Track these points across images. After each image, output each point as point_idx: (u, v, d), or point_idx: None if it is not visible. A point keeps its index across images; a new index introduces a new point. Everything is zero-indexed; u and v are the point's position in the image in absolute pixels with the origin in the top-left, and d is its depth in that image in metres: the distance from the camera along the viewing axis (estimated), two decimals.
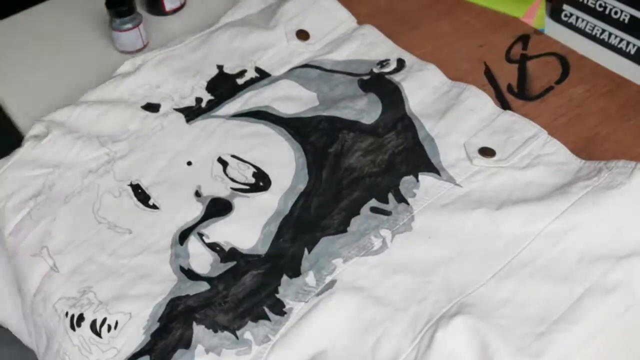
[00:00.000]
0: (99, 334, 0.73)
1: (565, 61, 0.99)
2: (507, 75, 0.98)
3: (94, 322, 0.74)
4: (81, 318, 0.74)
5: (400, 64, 0.97)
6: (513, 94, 0.95)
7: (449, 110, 0.89)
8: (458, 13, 1.08)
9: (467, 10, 1.09)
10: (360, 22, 1.04)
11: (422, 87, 0.93)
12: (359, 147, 0.86)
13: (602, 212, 0.75)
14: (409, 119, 0.89)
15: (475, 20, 1.07)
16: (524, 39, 1.03)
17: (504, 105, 0.93)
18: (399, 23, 1.06)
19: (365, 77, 0.95)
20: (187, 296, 0.74)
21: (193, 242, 0.79)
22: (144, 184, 0.85)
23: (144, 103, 0.94)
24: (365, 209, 0.80)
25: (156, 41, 1.05)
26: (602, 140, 0.88)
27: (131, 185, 0.85)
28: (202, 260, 0.77)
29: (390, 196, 0.81)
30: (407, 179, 0.83)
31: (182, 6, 1.13)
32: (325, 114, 0.90)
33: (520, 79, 0.97)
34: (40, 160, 0.88)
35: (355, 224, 0.79)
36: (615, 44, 1.00)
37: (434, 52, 1.01)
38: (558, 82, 0.97)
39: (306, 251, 0.77)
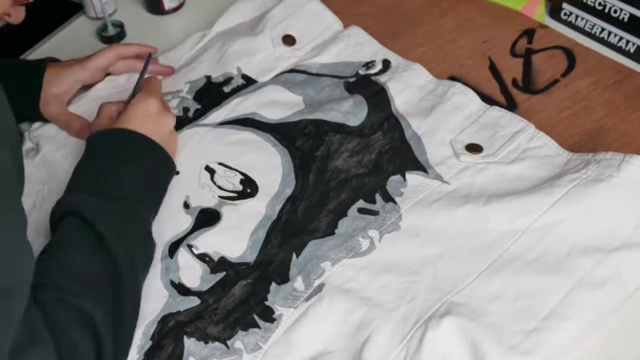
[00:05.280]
0: None
1: (570, 54, 0.99)
2: (512, 69, 0.97)
3: None
4: None
5: (386, 64, 0.97)
6: (518, 88, 0.94)
7: (435, 108, 0.89)
8: (462, 9, 1.08)
9: (470, 6, 1.08)
10: (365, 21, 1.04)
11: (408, 87, 0.92)
12: (345, 149, 0.86)
13: (590, 205, 0.75)
14: (395, 119, 0.89)
15: (479, 16, 1.06)
16: (529, 33, 1.02)
17: (509, 99, 0.93)
18: (403, 21, 1.06)
19: (351, 79, 0.95)
20: (178, 312, 0.73)
21: (183, 254, 0.78)
22: None
23: None
24: (352, 210, 0.80)
25: (155, 40, 1.05)
26: (608, 132, 0.88)
27: None
28: (192, 272, 0.77)
29: (378, 196, 0.81)
30: (395, 179, 0.83)
31: (181, 5, 1.14)
32: (311, 117, 0.89)
33: (526, 73, 0.97)
34: (32, 178, 0.88)
35: (342, 225, 0.79)
36: (615, 43, 0.99)
37: (438, 48, 1.01)
38: (564, 75, 0.96)
39: (294, 256, 0.77)
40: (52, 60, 0.95)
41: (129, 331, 0.70)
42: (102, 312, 0.66)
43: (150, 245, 0.76)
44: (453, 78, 0.95)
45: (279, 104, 0.92)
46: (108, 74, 0.98)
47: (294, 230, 0.79)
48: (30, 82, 0.90)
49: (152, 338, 0.72)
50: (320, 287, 0.74)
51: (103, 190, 0.75)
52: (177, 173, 0.85)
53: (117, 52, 0.96)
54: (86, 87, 0.97)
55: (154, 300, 0.75)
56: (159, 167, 0.81)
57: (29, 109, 0.91)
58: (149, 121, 0.82)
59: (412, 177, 0.83)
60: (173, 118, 0.86)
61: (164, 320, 0.73)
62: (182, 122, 0.92)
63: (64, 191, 0.77)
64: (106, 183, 0.76)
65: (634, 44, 0.97)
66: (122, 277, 0.70)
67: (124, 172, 0.77)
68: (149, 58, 0.91)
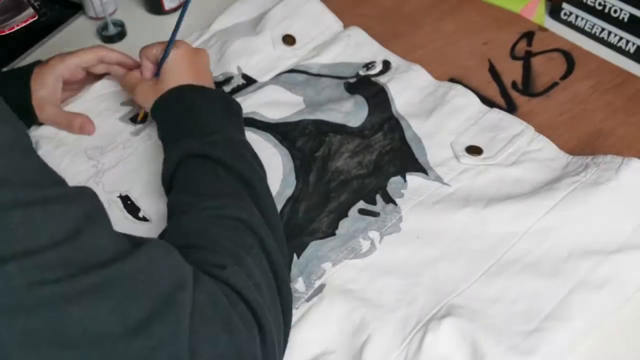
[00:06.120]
0: None
1: (570, 57, 0.99)
2: (511, 72, 0.98)
3: None
4: None
5: (386, 65, 0.97)
6: (518, 91, 0.95)
7: (436, 110, 0.89)
8: (462, 11, 1.08)
9: (471, 8, 1.09)
10: (366, 22, 1.04)
11: (408, 88, 0.93)
12: (346, 149, 0.86)
13: (590, 208, 0.75)
14: (396, 120, 0.89)
15: (479, 18, 1.07)
16: (529, 36, 1.03)
17: (509, 102, 0.93)
18: (403, 22, 1.07)
19: (352, 80, 0.95)
20: None
21: None
22: (133, 195, 0.84)
23: (132, 115, 0.94)
24: (353, 211, 0.80)
25: (156, 40, 1.05)
26: (607, 136, 0.88)
27: (120, 196, 0.85)
28: None
29: (378, 197, 0.81)
30: (395, 180, 0.83)
31: (181, 5, 1.14)
32: (311, 117, 0.90)
33: (525, 75, 0.97)
34: None
35: (343, 226, 0.79)
36: (615, 43, 1.00)
37: (438, 50, 1.02)
38: (563, 78, 0.96)
39: (295, 256, 0.77)
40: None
41: (280, 232, 0.73)
42: (255, 217, 0.69)
43: (260, 162, 0.80)
44: (453, 80, 0.95)
45: (279, 104, 0.92)
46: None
47: (295, 231, 0.79)
48: (19, 91, 0.89)
49: None
50: (320, 288, 0.74)
51: (203, 132, 0.78)
52: None
53: (100, 54, 0.94)
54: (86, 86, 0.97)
55: None
56: (229, 105, 0.85)
57: (25, 118, 0.88)
58: (193, 65, 0.87)
59: (413, 179, 0.83)
60: (205, 51, 0.91)
61: None
62: None
63: (165, 143, 0.81)
64: (201, 128, 0.79)
65: (634, 44, 0.98)
66: (258, 192, 0.73)
67: (209, 117, 0.81)
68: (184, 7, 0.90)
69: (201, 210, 0.69)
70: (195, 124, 0.80)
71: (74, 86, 0.96)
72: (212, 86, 0.88)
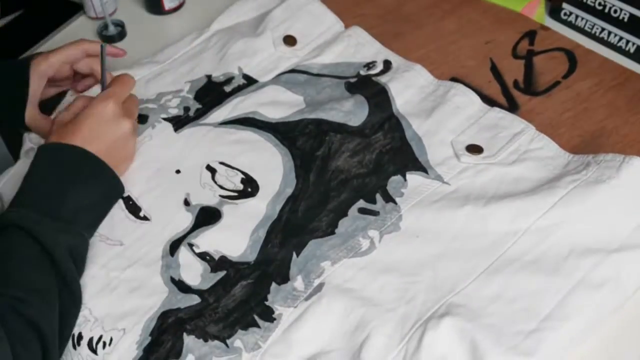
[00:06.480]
0: (95, 352, 0.73)
1: (572, 56, 0.99)
2: (513, 71, 0.97)
3: (90, 340, 0.73)
4: (80, 337, 0.74)
5: (387, 65, 0.97)
6: (519, 90, 0.95)
7: (436, 109, 0.89)
8: (464, 11, 1.08)
9: (472, 7, 1.08)
10: (367, 22, 1.04)
11: (409, 87, 0.92)
12: (346, 149, 0.86)
13: (590, 206, 0.75)
14: (396, 119, 0.89)
15: (481, 17, 1.07)
16: (531, 35, 1.03)
17: (510, 101, 0.93)
18: (405, 22, 1.06)
19: (352, 80, 0.95)
20: (178, 309, 0.74)
21: (183, 253, 0.78)
22: (134, 195, 0.84)
23: None
24: (353, 210, 0.80)
25: (155, 40, 1.06)
26: (609, 134, 0.88)
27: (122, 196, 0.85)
28: (192, 270, 0.77)
29: (378, 196, 0.81)
30: (395, 179, 0.83)
31: (181, 5, 1.14)
32: (311, 116, 0.90)
33: (527, 74, 0.97)
34: None
35: (343, 225, 0.79)
36: (615, 43, 0.99)
37: (440, 50, 1.01)
38: (565, 76, 0.96)
39: (294, 255, 0.77)
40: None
41: (69, 337, 0.74)
42: (48, 320, 0.69)
43: (84, 261, 0.78)
44: (454, 79, 0.95)
45: (280, 104, 0.92)
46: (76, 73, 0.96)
47: (295, 230, 0.79)
48: (19, 84, 0.88)
49: (151, 334, 0.72)
50: (320, 287, 0.74)
51: (48, 209, 0.75)
52: (179, 172, 0.86)
53: (83, 47, 0.92)
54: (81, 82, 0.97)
55: (154, 295, 0.75)
56: (105, 192, 0.81)
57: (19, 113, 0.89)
58: (102, 126, 0.80)
59: (413, 178, 0.83)
60: (129, 122, 0.83)
61: (164, 316, 0.73)
62: (183, 121, 0.92)
63: (10, 203, 0.77)
64: (51, 203, 0.76)
65: (634, 44, 0.97)
66: (67, 284, 0.73)
67: (69, 194, 0.76)
68: (102, 51, 0.90)
69: (7, 297, 0.68)
70: (52, 197, 0.76)
71: (61, 83, 0.95)
72: (119, 166, 0.83)
